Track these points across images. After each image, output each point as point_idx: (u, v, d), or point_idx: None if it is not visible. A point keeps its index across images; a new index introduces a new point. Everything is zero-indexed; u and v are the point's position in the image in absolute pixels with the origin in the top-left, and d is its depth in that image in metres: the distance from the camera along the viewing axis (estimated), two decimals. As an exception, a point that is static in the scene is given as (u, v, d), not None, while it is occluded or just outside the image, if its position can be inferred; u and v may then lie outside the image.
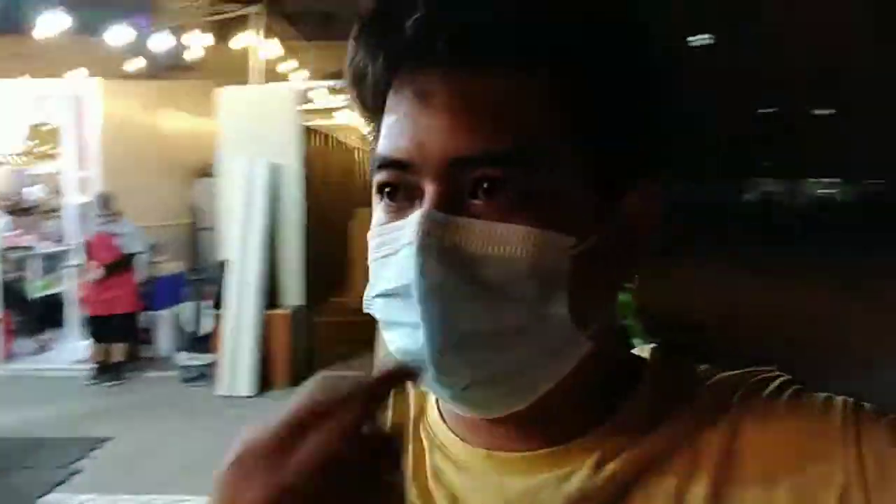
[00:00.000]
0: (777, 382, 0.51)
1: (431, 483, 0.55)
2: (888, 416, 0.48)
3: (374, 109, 0.52)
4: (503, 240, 0.46)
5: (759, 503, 0.47)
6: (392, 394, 0.58)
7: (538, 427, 0.52)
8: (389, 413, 0.58)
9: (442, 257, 0.46)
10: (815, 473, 0.46)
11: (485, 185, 0.47)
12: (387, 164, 0.50)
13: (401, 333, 0.49)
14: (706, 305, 7.07)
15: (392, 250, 0.48)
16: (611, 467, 0.50)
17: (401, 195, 0.49)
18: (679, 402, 0.51)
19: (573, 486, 0.50)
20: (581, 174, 0.48)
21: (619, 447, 0.50)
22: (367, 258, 0.51)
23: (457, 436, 0.55)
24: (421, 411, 0.59)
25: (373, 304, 0.51)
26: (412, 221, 0.47)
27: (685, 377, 0.54)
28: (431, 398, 0.59)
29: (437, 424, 0.57)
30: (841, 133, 25.51)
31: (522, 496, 0.51)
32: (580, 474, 0.50)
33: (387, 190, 0.50)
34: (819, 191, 31.72)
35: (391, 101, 0.50)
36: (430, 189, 0.47)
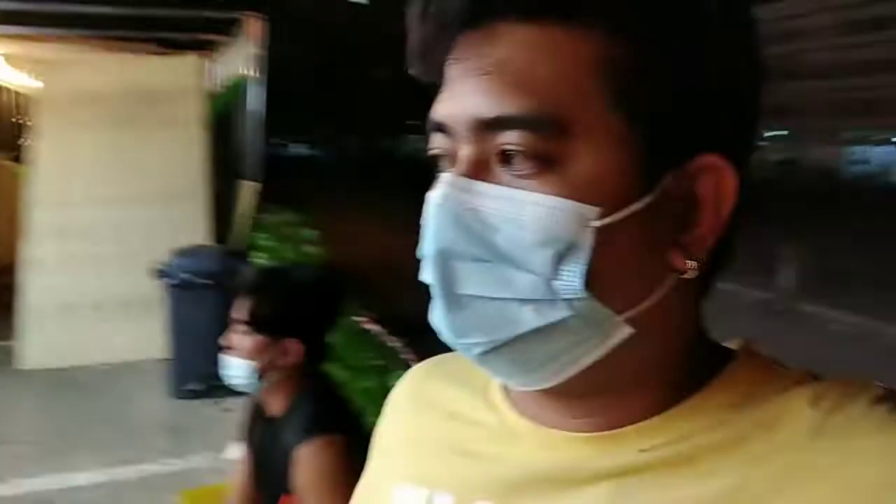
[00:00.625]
0: (872, 395, 0.46)
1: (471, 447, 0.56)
2: None
3: (434, 81, 0.51)
4: (516, 206, 0.45)
5: None
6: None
7: (589, 408, 0.51)
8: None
9: (457, 220, 0.46)
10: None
11: (509, 150, 0.45)
12: (433, 128, 0.50)
13: (432, 296, 0.49)
14: (367, 255, 7.47)
15: (426, 213, 0.48)
16: (656, 454, 0.48)
17: (448, 161, 0.49)
18: (755, 403, 0.47)
19: (609, 465, 0.48)
20: (622, 147, 0.45)
21: (674, 437, 0.48)
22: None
23: (513, 407, 0.56)
24: (487, 381, 0.59)
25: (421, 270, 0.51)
26: (438, 184, 0.47)
27: (770, 377, 0.49)
28: None
29: (496, 393, 0.58)
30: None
31: (556, 474, 0.50)
32: (621, 458, 0.48)
33: (438, 157, 0.51)
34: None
35: (447, 69, 0.50)
36: (461, 154, 0.48)
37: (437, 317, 0.48)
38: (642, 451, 0.48)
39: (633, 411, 0.50)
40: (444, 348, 0.54)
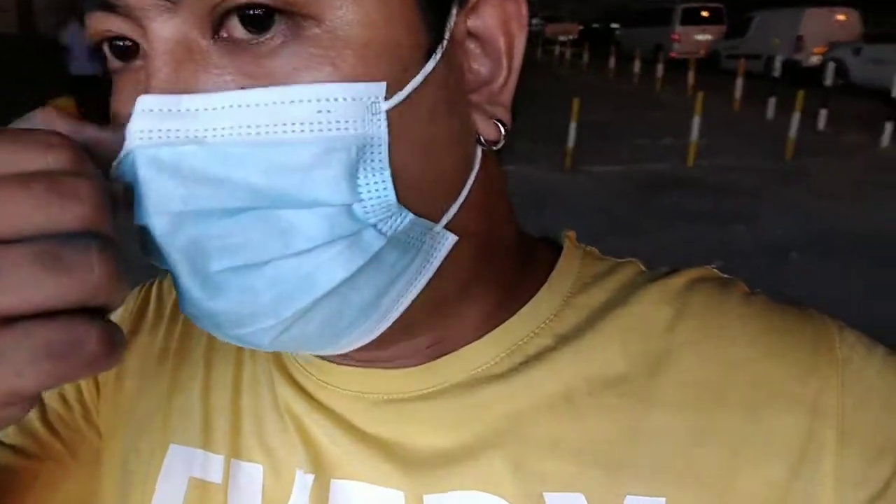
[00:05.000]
0: (734, 288, 0.41)
1: (282, 418, 0.43)
2: (880, 347, 0.39)
3: None
4: (267, 115, 0.30)
5: (694, 430, 0.37)
6: None
7: (413, 345, 0.40)
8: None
9: (178, 166, 0.30)
10: (776, 399, 0.37)
11: (241, 7, 0.30)
12: (94, 4, 0.32)
13: (175, 281, 0.33)
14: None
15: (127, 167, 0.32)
16: (496, 369, 0.40)
17: (140, 51, 0.33)
18: (602, 306, 0.41)
19: (443, 406, 0.40)
20: None
21: (513, 347, 0.40)
22: None
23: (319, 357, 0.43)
24: None
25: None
26: (134, 113, 0.31)
27: (613, 274, 0.43)
28: None
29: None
30: None
31: (381, 424, 0.40)
32: (457, 394, 0.40)
33: (117, 43, 0.33)
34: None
35: None
36: (152, 41, 0.31)
37: (194, 309, 0.33)
38: (479, 369, 0.40)
39: (464, 331, 0.41)
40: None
